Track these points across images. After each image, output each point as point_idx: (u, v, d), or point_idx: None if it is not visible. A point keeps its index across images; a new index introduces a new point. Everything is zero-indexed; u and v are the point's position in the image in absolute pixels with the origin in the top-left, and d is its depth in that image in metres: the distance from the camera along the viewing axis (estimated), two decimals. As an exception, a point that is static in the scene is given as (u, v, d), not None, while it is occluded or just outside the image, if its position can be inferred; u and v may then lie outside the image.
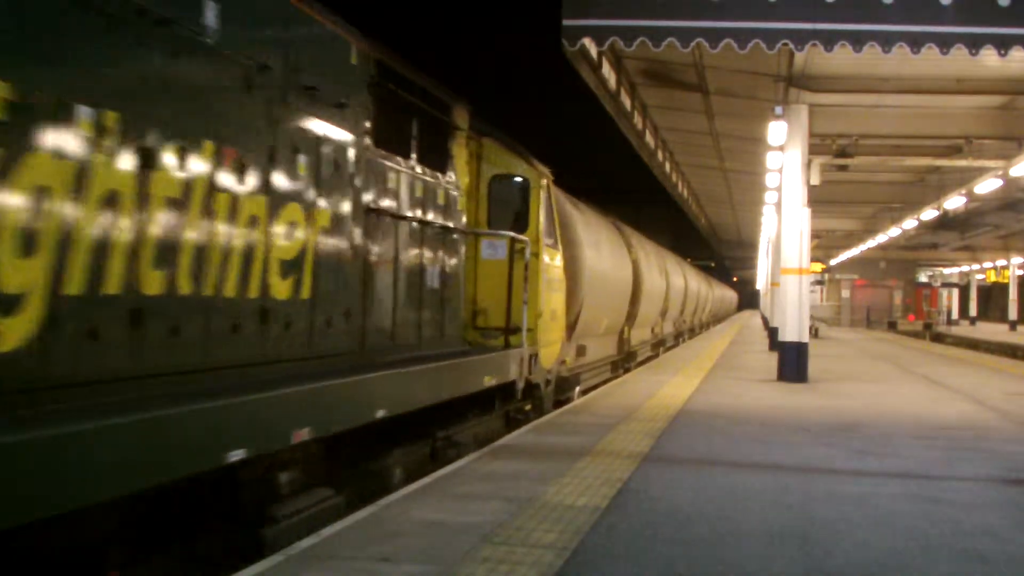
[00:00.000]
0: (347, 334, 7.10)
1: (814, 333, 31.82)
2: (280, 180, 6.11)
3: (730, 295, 75.75)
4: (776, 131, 16.74)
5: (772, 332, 26.06)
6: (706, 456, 8.64)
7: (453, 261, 9.58)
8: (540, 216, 11.03)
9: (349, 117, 7.12)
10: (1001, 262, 58.28)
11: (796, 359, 16.51)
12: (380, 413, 6.73)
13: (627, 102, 20.50)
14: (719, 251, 73.45)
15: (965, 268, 65.38)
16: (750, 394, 14.34)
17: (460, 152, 9.87)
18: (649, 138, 25.06)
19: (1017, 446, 9.80)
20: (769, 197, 27.23)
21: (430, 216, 8.84)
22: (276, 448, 5.56)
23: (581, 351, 15.13)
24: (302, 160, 6.40)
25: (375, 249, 7.62)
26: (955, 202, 27.20)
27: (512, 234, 10.30)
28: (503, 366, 9.82)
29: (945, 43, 9.70)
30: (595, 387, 15.58)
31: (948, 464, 8.52)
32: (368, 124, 7.46)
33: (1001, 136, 18.60)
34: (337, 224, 6.93)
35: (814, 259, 34.86)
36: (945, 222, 36.15)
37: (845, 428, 10.71)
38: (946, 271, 66.11)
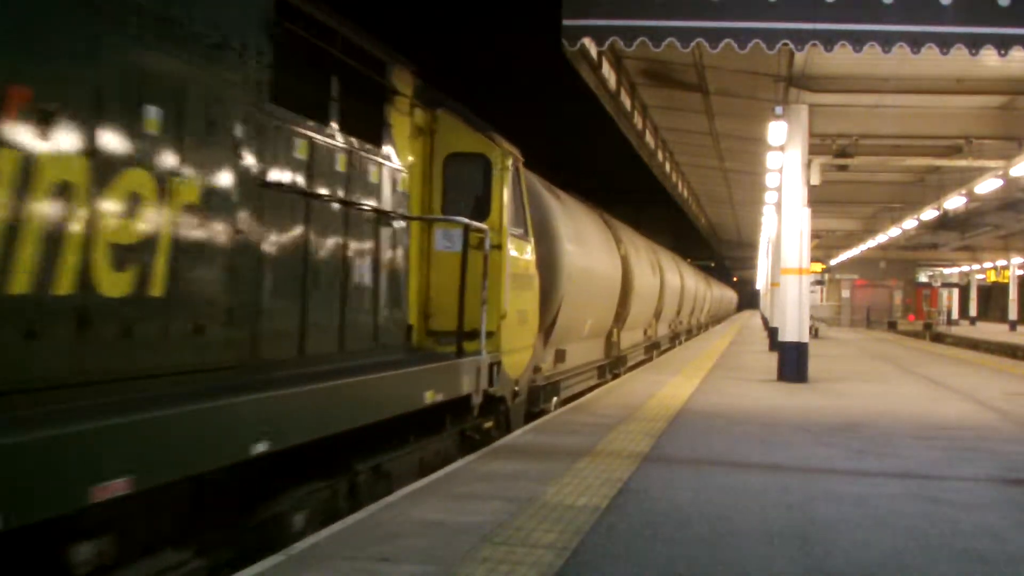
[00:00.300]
0: (229, 343, 5.51)
1: (814, 333, 31.83)
2: (112, 137, 4.52)
3: (729, 295, 75.74)
4: (776, 131, 16.75)
5: (772, 332, 26.06)
6: (706, 456, 8.64)
7: (393, 252, 8.00)
8: (504, 202, 9.46)
9: (233, 64, 5.53)
10: (1001, 262, 58.31)
11: (796, 359, 16.51)
12: (259, 448, 5.11)
13: (627, 102, 20.52)
14: (719, 251, 73.51)
15: (965, 268, 65.41)
16: (750, 394, 14.34)
17: (402, 123, 8.31)
18: (649, 138, 25.08)
19: (1017, 446, 9.80)
20: (769, 197, 27.26)
21: (357, 196, 7.24)
22: (63, 511, 3.90)
23: (560, 357, 13.65)
24: (152, 113, 4.79)
25: (274, 235, 6.04)
26: (955, 202, 27.22)
27: (465, 220, 8.53)
28: (452, 378, 8.13)
29: (945, 43, 9.71)
30: (579, 395, 14.27)
31: (948, 464, 8.52)
32: (264, 76, 5.85)
33: (1001, 136, 18.62)
34: (212, 200, 5.33)
35: (814, 259, 34.86)
36: (945, 222, 36.16)
37: (845, 428, 10.71)
38: (946, 271, 66.16)
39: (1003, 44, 9.61)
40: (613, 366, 18.99)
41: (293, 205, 6.30)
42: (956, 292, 69.98)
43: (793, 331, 16.62)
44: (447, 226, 8.86)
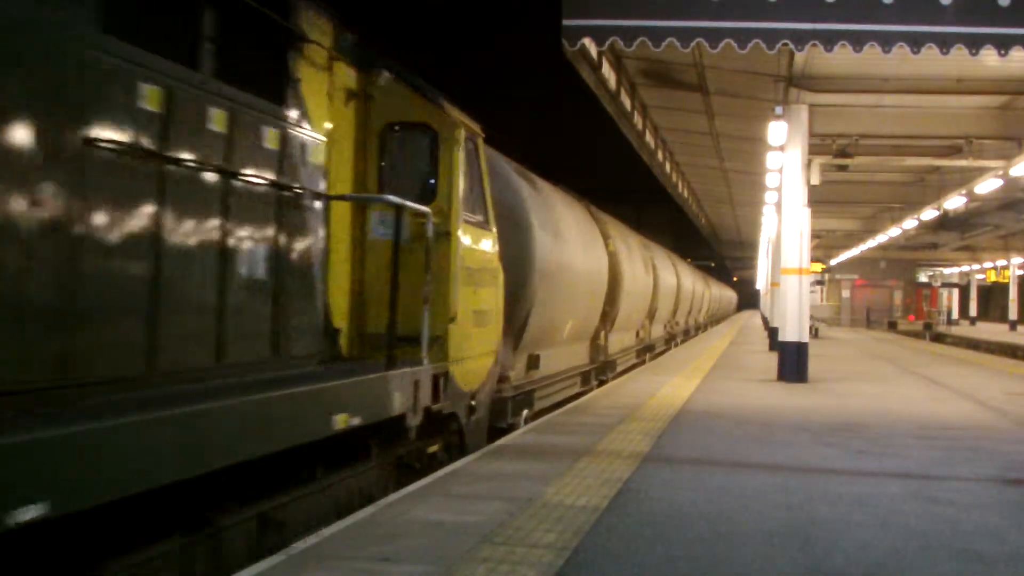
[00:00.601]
0: (21, 359, 4.08)
1: (814, 333, 31.82)
2: None
3: (729, 295, 75.72)
4: (776, 131, 16.76)
5: (772, 332, 26.07)
6: (706, 456, 8.64)
7: (303, 239, 6.50)
8: (455, 182, 7.99)
9: None
10: (1001, 262, 58.33)
11: (796, 359, 16.51)
12: (26, 513, 3.52)
13: (627, 102, 20.53)
14: (719, 251, 73.54)
15: (965, 268, 65.44)
16: (750, 394, 14.34)
17: (316, 80, 6.79)
18: (649, 138, 25.09)
19: (1017, 446, 9.80)
20: (769, 197, 27.27)
21: (244, 165, 5.71)
22: None
23: (533, 363, 12.13)
24: None
25: (106, 212, 4.56)
26: (955, 202, 27.22)
27: (397, 200, 7.02)
28: (375, 396, 6.56)
29: (945, 43, 9.70)
30: (558, 405, 12.83)
31: (948, 464, 8.52)
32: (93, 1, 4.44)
33: (1001, 136, 18.64)
34: None
35: (814, 259, 34.86)
36: (945, 222, 36.18)
37: (845, 428, 10.71)
38: (946, 271, 66.20)
39: (1003, 44, 9.61)
40: (600, 371, 17.39)
41: (138, 172, 4.80)
42: (956, 292, 70.00)
43: (793, 331, 16.62)
44: (385, 209, 7.44)
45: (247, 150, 5.78)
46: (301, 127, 6.51)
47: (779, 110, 16.37)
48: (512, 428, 10.52)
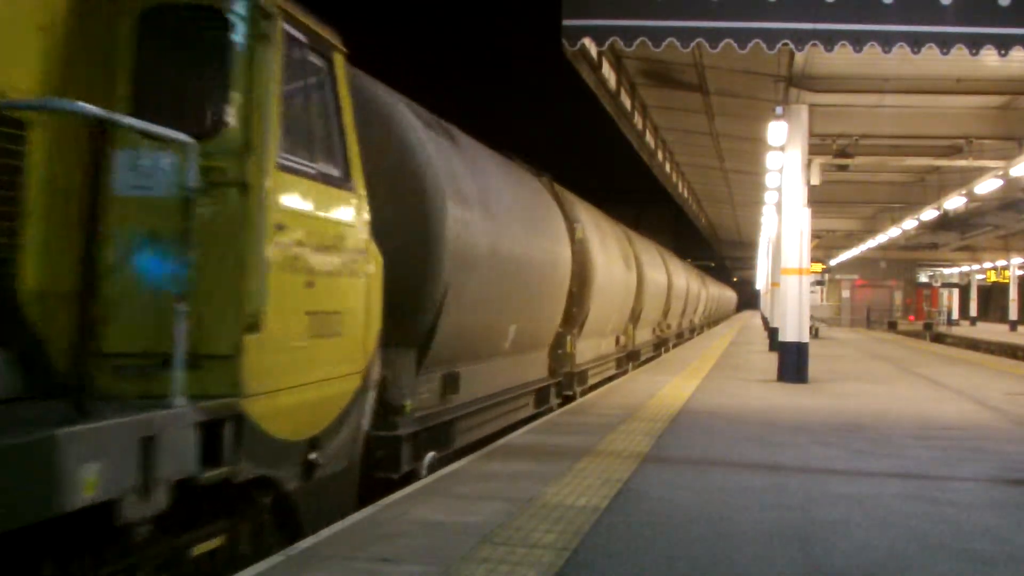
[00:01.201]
0: None
1: (814, 333, 31.80)
2: None
3: (728, 295, 75.68)
4: (776, 131, 16.77)
5: (772, 332, 26.07)
6: (706, 456, 8.64)
7: None
8: (262, 102, 5.12)
9: None
10: (1001, 262, 58.34)
11: (796, 359, 16.52)
12: None
13: (627, 102, 20.54)
14: (719, 251, 73.59)
15: (965, 268, 65.47)
16: (750, 394, 14.34)
17: None
18: (649, 138, 25.10)
19: (1017, 446, 9.80)
20: (769, 197, 27.28)
21: None
22: None
23: (451, 385, 8.84)
24: None
25: None
26: (955, 202, 27.23)
27: (93, 110, 4.19)
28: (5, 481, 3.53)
29: (945, 43, 9.70)
30: (495, 437, 9.78)
31: (948, 464, 8.52)
32: None
33: (1001, 136, 18.66)
34: None
35: (814, 259, 34.86)
36: (945, 222, 36.18)
37: (845, 428, 10.71)
38: (946, 271, 66.22)
39: (1003, 44, 9.61)
40: (564, 386, 14.08)
41: None
42: (956, 292, 70.04)
43: (793, 331, 16.62)
44: (137, 143, 4.77)
45: None
46: None
47: (779, 110, 16.40)
48: (413, 476, 7.65)
